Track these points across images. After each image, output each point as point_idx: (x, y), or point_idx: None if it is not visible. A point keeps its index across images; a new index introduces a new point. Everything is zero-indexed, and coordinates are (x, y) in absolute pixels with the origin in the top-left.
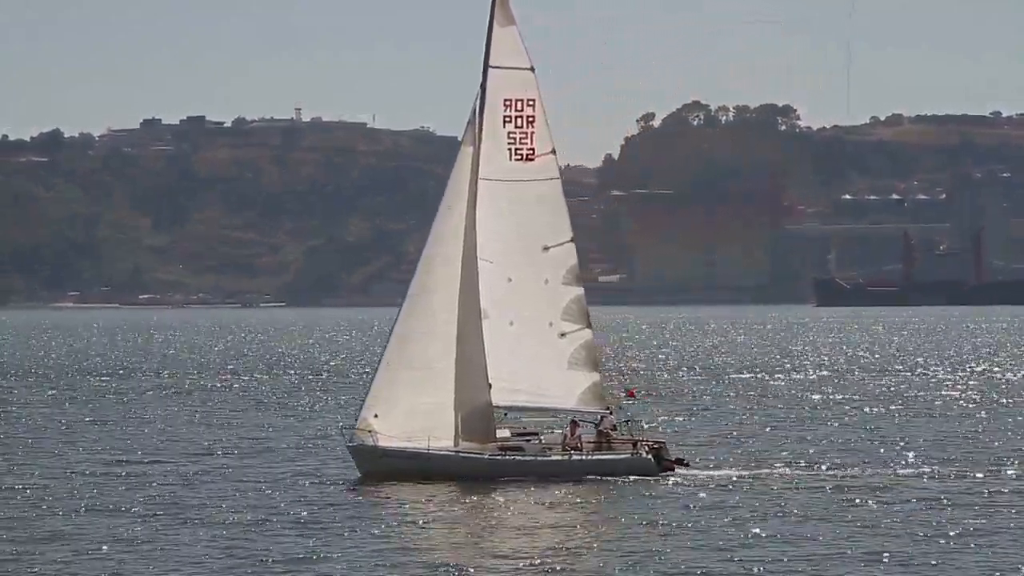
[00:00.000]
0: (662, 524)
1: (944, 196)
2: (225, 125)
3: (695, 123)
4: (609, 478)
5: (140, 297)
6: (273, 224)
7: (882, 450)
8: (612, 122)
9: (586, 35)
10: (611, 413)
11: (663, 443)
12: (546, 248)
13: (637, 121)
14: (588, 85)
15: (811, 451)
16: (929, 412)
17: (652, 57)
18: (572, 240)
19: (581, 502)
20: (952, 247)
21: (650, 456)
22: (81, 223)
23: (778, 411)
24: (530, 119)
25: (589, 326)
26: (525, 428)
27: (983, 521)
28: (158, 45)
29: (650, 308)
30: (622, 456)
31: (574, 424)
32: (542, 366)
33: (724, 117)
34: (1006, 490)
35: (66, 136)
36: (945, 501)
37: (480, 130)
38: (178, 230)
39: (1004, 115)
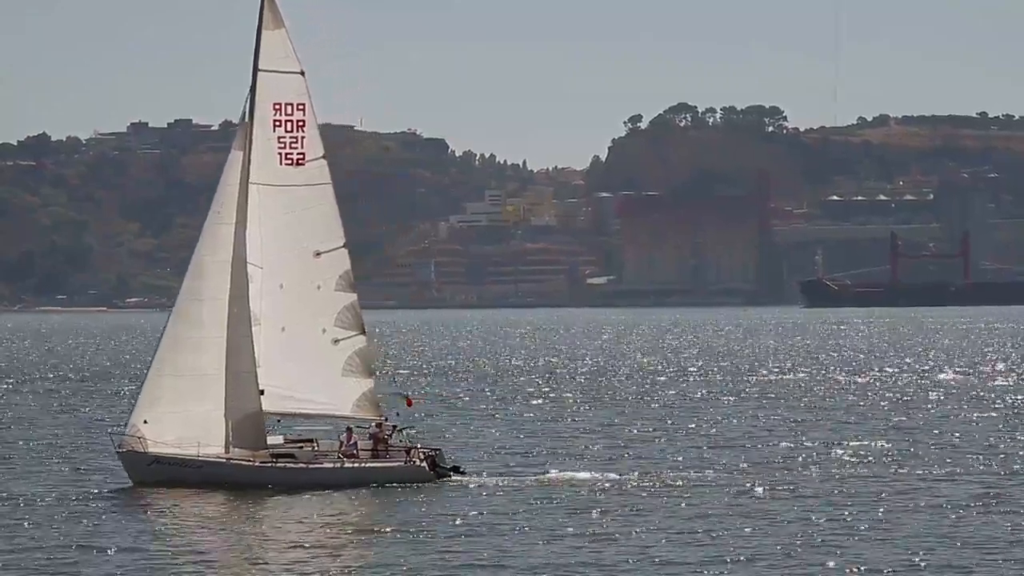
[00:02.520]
0: (431, 531)
1: (931, 197)
2: (212, 128)
3: (682, 125)
4: (384, 485)
5: (128, 301)
6: None
7: (664, 451)
8: (599, 124)
9: (577, 37)
10: (387, 420)
11: (439, 450)
12: (318, 254)
13: (624, 123)
14: (576, 86)
15: (591, 455)
16: (721, 416)
17: (641, 57)
18: (345, 246)
19: (351, 509)
20: (939, 249)
21: (424, 463)
22: (68, 227)
23: (562, 416)
24: (300, 123)
25: (363, 332)
26: (301, 435)
27: (734, 510)
28: (145, 48)
29: (639, 310)
30: (396, 464)
31: (350, 431)
32: (316, 373)
33: (711, 119)
34: (788, 482)
35: (53, 140)
36: (719, 500)
37: (250, 134)
38: (165, 234)
39: (991, 116)
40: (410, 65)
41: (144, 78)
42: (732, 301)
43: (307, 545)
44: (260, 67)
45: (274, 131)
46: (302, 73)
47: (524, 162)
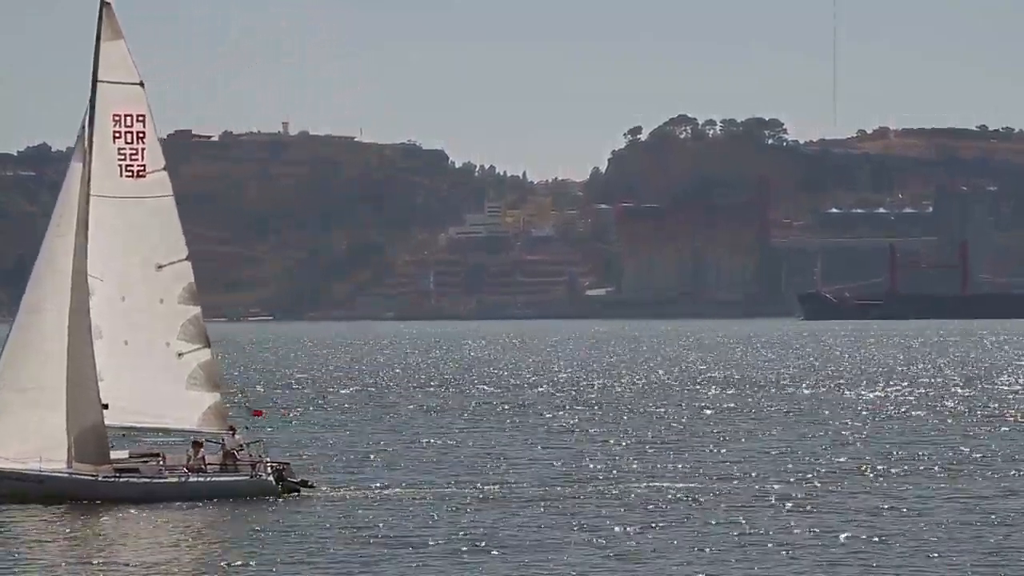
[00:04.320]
0: (268, 546)
1: (930, 209)
2: (212, 139)
3: (682, 136)
4: (232, 499)
5: None
6: (258, 237)
7: (500, 463)
8: (599, 135)
9: (574, 46)
10: (235, 433)
11: (287, 464)
12: (160, 267)
13: (624, 134)
14: (576, 98)
15: (437, 468)
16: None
17: (641, 67)
18: (188, 258)
19: (192, 524)
20: (938, 260)
21: (270, 477)
22: None
23: (408, 429)
24: (140, 135)
25: (208, 345)
26: (149, 449)
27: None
28: (147, 57)
29: (638, 321)
30: (241, 477)
31: (197, 444)
32: (160, 386)
33: (711, 130)
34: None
35: (53, 150)
36: (548, 509)
37: (90, 146)
38: None
39: (990, 128)
40: (410, 65)
41: (150, 92)
42: (731, 312)
43: (142, 562)
44: (99, 78)
45: (114, 143)
46: (141, 84)
47: (524, 173)
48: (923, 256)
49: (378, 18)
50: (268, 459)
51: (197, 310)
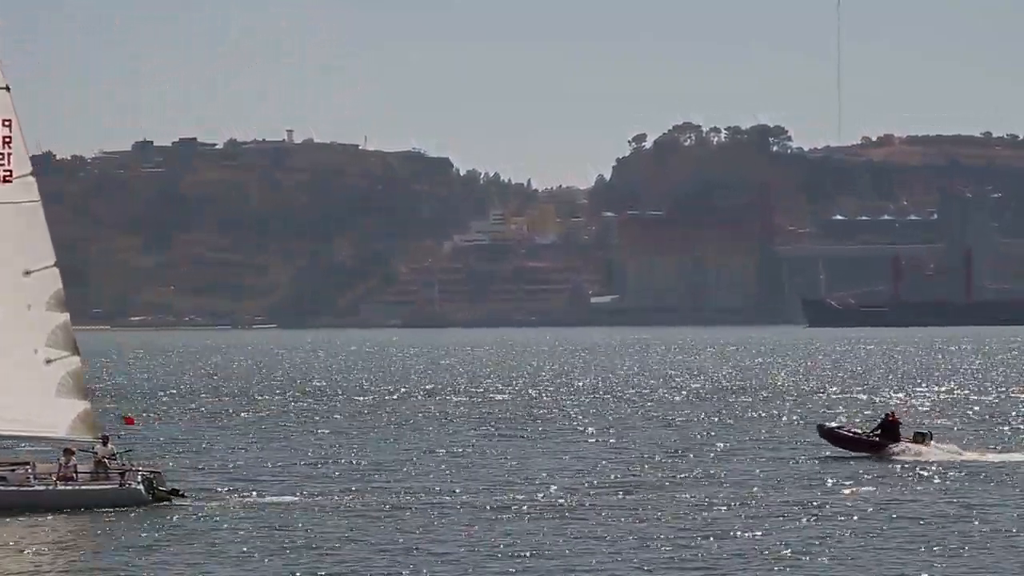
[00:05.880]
0: (137, 558)
1: (934, 216)
2: (217, 147)
3: (687, 143)
4: (100, 509)
5: (132, 319)
6: (262, 245)
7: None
8: (603, 143)
9: (576, 52)
10: (107, 441)
11: (158, 472)
12: (27, 272)
13: (629, 142)
14: (579, 104)
15: (315, 476)
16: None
17: (645, 75)
18: (56, 264)
19: (55, 535)
20: (942, 267)
21: (140, 486)
22: (71, 246)
23: (286, 438)
24: (6, 140)
25: (77, 353)
26: (17, 457)
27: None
28: (152, 66)
29: (642, 328)
30: (109, 486)
31: (68, 452)
32: (28, 393)
33: (716, 138)
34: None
35: (58, 158)
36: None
37: None
38: (168, 252)
39: (995, 136)
40: (411, 67)
41: (150, 97)
42: (734, 319)
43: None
44: None
45: None
46: (7, 88)
47: (528, 181)
48: (927, 263)
49: (378, 18)
50: (139, 467)
51: (66, 316)
